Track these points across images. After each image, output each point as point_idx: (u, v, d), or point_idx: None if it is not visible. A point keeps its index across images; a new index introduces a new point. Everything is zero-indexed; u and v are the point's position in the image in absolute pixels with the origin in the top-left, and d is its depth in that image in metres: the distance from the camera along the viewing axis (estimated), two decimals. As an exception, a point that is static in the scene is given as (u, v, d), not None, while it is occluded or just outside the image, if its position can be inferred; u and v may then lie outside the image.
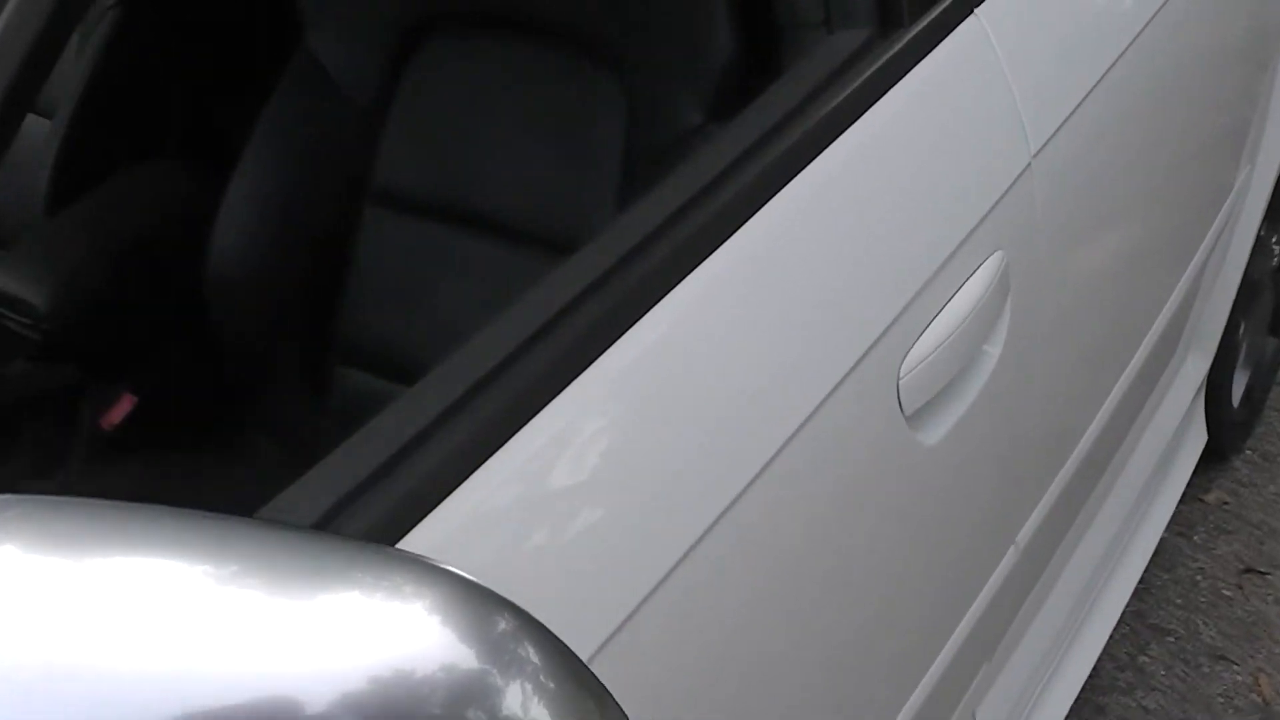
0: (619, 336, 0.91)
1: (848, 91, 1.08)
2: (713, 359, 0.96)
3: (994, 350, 1.18)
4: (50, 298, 1.64)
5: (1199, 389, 2.19)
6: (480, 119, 1.56)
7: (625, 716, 0.58)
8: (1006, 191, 1.19)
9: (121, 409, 1.70)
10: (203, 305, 1.68)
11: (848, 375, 1.04)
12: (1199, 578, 2.27)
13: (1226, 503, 2.41)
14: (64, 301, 1.64)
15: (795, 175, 1.04)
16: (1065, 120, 1.31)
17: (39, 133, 1.87)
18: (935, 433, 1.15)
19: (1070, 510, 1.65)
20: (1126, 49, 1.42)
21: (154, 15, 1.84)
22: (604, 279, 0.93)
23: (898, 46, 1.13)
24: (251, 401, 1.77)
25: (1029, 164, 1.24)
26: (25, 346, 1.66)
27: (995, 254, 1.17)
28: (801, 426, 0.99)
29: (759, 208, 1.01)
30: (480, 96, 1.56)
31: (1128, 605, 1.98)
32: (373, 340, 1.65)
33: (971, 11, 1.21)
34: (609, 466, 0.89)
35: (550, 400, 0.87)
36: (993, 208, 1.16)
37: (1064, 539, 1.68)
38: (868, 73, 1.10)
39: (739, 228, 0.99)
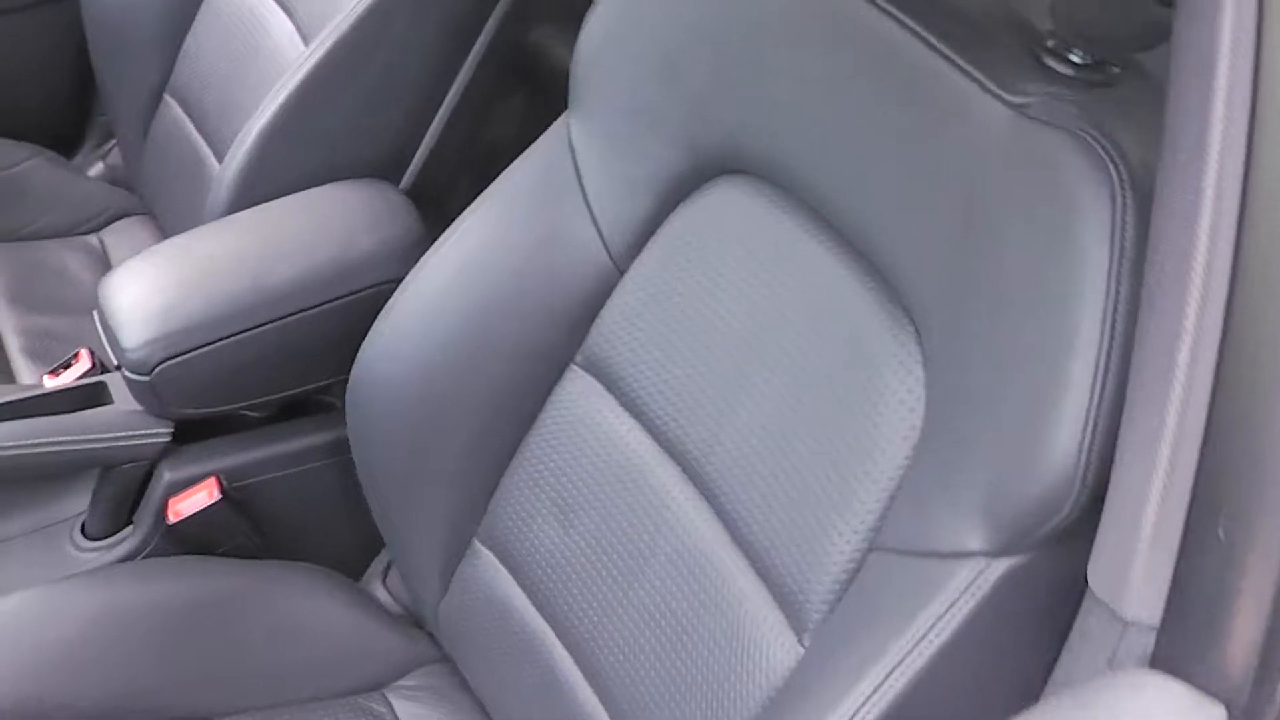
0: None
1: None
2: None
3: None
4: (138, 344, 1.35)
5: None
6: (730, 327, 1.14)
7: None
8: None
9: (195, 501, 1.41)
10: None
11: None
12: None
13: None
14: (151, 354, 1.35)
15: None
16: None
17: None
18: None
19: None
20: None
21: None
22: None
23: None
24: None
25: None
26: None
27: None
28: None
29: None
30: (744, 289, 1.13)
31: None
32: (522, 533, 1.28)
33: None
34: None
35: None
36: None
37: None
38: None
39: None
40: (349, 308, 1.39)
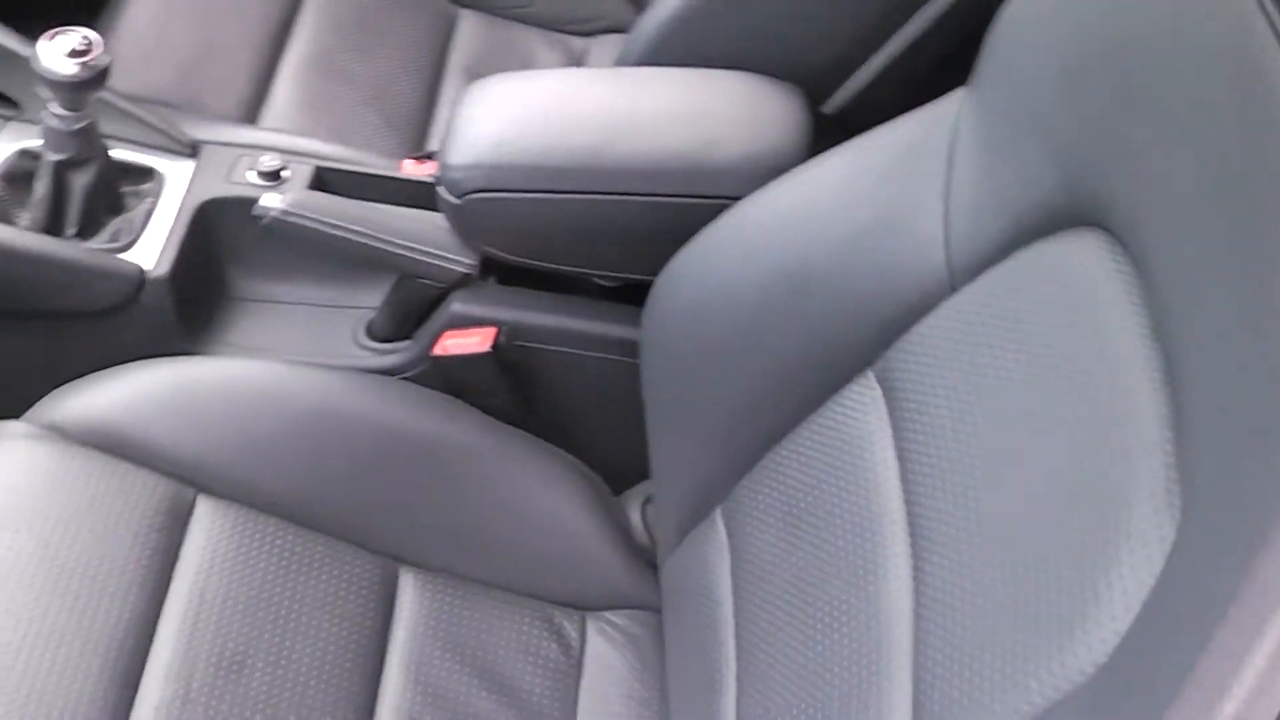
0: None
1: None
2: None
3: None
4: (457, 164, 1.28)
5: None
6: (1019, 403, 0.94)
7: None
8: None
9: (465, 343, 1.33)
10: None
11: None
12: None
13: None
14: (466, 179, 1.27)
15: None
16: None
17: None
18: None
19: None
20: None
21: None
22: None
23: None
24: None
25: None
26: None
27: None
28: None
29: None
30: (1055, 365, 0.93)
31: None
32: (753, 525, 1.15)
33: None
34: None
35: None
36: None
37: None
38: None
39: None
40: (687, 210, 1.25)
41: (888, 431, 1.06)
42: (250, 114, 1.65)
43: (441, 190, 1.29)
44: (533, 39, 1.88)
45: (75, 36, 1.31)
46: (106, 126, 1.43)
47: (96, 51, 1.31)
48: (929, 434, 1.01)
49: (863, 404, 1.09)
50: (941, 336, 1.04)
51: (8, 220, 1.42)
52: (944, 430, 1.00)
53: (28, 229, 1.39)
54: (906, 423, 1.04)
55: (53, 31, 1.32)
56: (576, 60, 1.87)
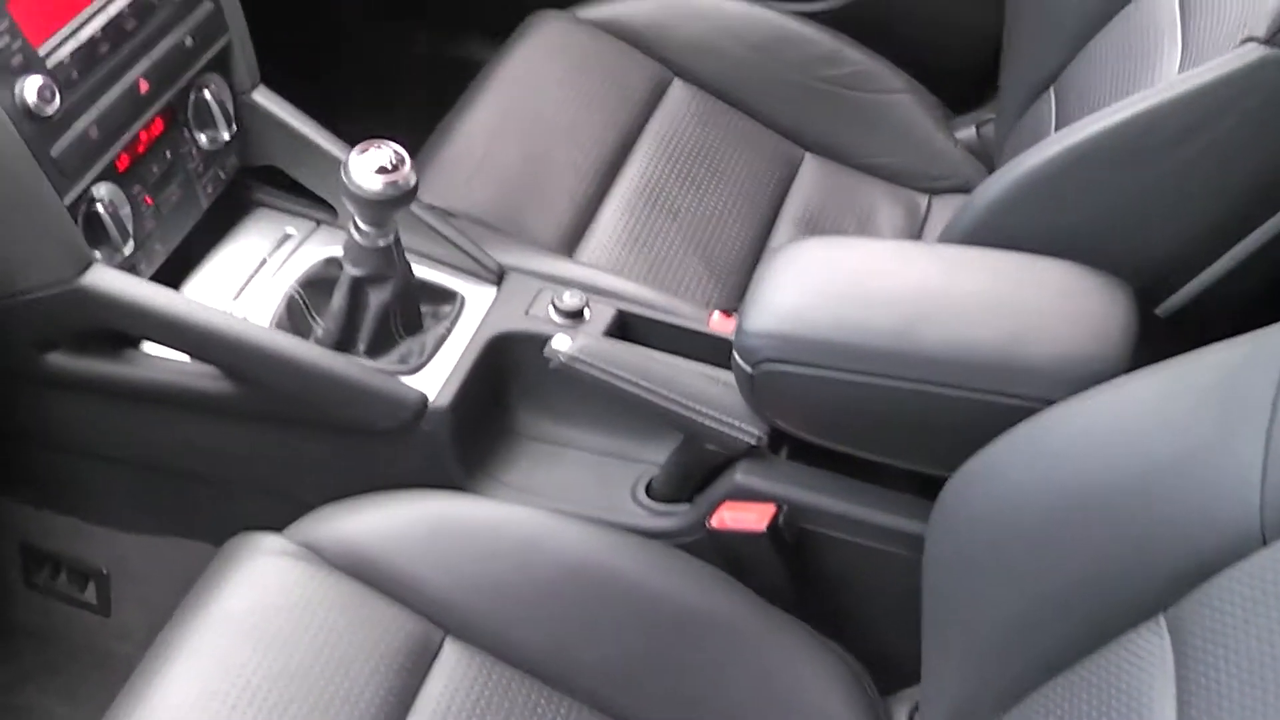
0: None
1: None
2: None
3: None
4: (753, 331, 1.23)
5: None
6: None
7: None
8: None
9: (741, 519, 1.28)
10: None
11: None
12: None
13: None
14: (760, 348, 1.23)
15: None
16: None
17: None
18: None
19: None
20: None
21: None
22: None
23: None
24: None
25: None
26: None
27: None
28: None
29: None
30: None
31: None
32: None
33: None
34: None
35: None
36: None
37: None
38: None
39: None
40: (990, 409, 1.18)
41: (1171, 690, 0.96)
42: (569, 243, 1.65)
43: (735, 355, 1.25)
44: (876, 192, 1.84)
45: (386, 152, 1.32)
46: (414, 243, 1.45)
47: (404, 170, 1.32)
48: (1216, 703, 0.92)
49: (1149, 654, 1.00)
50: (1246, 595, 0.95)
51: (304, 326, 1.45)
52: (1232, 702, 0.91)
53: (319, 340, 1.42)
54: (1192, 684, 0.94)
55: (365, 144, 1.34)
56: (919, 217, 1.82)
